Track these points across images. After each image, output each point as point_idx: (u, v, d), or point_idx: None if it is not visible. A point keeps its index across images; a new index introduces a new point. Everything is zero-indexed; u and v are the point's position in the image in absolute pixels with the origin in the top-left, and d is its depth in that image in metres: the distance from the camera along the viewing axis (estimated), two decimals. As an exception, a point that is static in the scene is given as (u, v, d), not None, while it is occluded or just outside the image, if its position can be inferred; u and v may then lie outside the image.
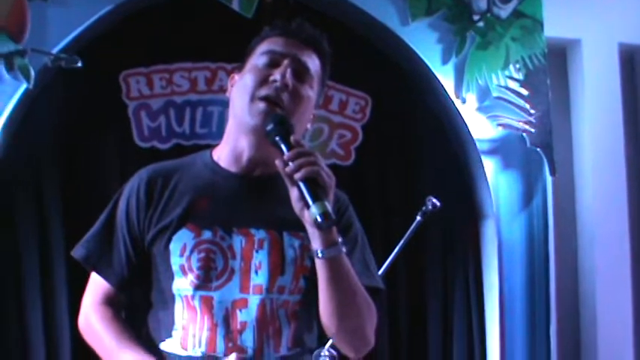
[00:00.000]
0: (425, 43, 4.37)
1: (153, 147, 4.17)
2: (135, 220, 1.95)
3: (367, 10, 4.30)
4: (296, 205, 1.76)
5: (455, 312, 4.50)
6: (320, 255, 1.80)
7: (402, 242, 3.47)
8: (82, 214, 3.76)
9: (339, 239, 1.82)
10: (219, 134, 3.93)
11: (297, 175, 1.74)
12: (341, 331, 1.90)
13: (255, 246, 1.90)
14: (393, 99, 4.48)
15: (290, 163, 1.75)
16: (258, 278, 1.89)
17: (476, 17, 4.45)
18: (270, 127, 1.84)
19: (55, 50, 3.93)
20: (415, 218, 3.47)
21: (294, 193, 1.76)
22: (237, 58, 4.20)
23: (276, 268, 1.90)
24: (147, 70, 4.16)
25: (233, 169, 1.97)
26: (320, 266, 1.83)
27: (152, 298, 1.96)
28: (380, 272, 3.42)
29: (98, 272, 1.99)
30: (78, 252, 2.01)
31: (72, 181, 4.07)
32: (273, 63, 1.95)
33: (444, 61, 4.39)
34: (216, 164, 1.99)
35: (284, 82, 1.91)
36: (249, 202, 1.94)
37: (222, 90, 4.17)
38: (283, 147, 1.79)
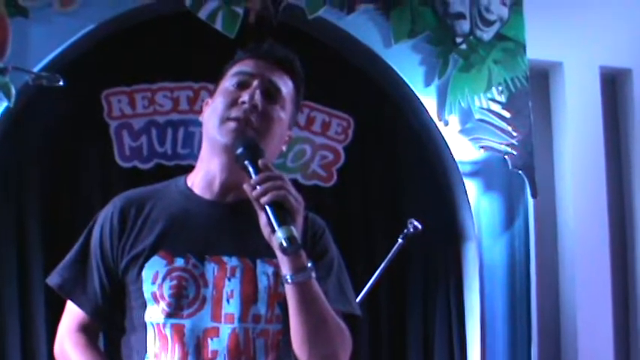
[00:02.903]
0: (408, 65, 4.39)
1: (134, 167, 4.15)
2: (108, 249, 1.93)
3: (350, 31, 4.31)
4: (264, 230, 1.73)
5: (436, 334, 4.48)
6: (289, 280, 1.77)
7: (383, 264, 3.47)
8: (63, 236, 3.75)
9: (309, 264, 1.78)
10: (201, 154, 3.95)
11: (263, 200, 1.71)
12: (313, 359, 1.85)
13: (228, 274, 1.87)
14: (375, 120, 4.49)
15: (257, 187, 1.72)
16: (230, 307, 1.86)
17: (459, 40, 4.47)
18: (239, 150, 1.81)
19: (36, 68, 3.91)
20: (397, 241, 3.47)
21: (262, 218, 1.73)
22: (217, 79, 4.21)
23: (249, 296, 1.87)
24: (129, 89, 4.15)
25: (207, 195, 1.94)
26: (289, 292, 1.80)
27: (125, 325, 1.94)
28: (362, 294, 3.44)
29: (72, 300, 1.98)
30: (53, 280, 1.99)
31: (53, 201, 4.04)
32: (243, 84, 1.93)
33: (427, 83, 4.40)
34: (190, 190, 1.96)
35: (253, 103, 1.88)
36: (222, 229, 1.91)
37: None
38: (251, 170, 1.76)
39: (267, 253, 1.80)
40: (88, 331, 1.97)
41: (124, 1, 4.06)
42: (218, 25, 4.11)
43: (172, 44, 4.17)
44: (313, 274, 1.79)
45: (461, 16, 4.48)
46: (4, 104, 3.88)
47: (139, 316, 1.89)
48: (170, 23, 4.16)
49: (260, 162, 1.77)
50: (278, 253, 1.76)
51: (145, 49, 4.14)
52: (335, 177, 4.39)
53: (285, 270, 1.77)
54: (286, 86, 1.97)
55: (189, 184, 1.98)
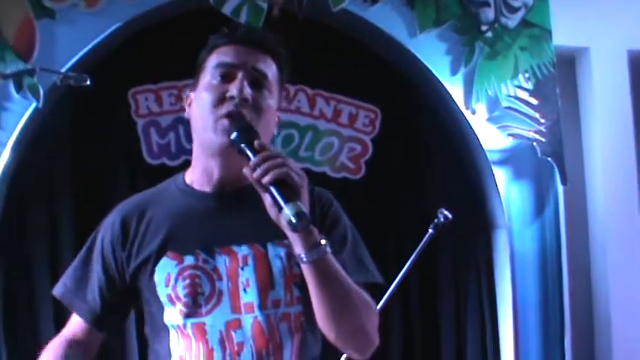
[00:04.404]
0: (433, 55, 4.37)
1: (163, 164, 4.17)
2: (111, 258, 1.92)
3: (375, 22, 4.29)
4: (271, 211, 1.69)
5: (468, 324, 4.47)
6: (304, 259, 1.73)
7: (414, 255, 3.46)
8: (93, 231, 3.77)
9: (322, 240, 1.74)
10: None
11: (265, 180, 1.67)
12: (340, 335, 1.82)
13: (240, 263, 1.86)
14: (402, 111, 4.47)
15: (257, 169, 1.69)
16: (248, 296, 1.84)
17: (484, 27, 4.44)
18: (234, 135, 1.79)
19: (63, 69, 3.94)
20: (427, 231, 3.46)
21: (267, 200, 1.68)
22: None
23: (265, 282, 1.85)
24: (155, 86, 4.16)
25: (207, 188, 1.92)
26: (306, 271, 1.76)
27: (147, 333, 1.95)
28: (392, 286, 3.43)
29: (72, 309, 2.00)
30: (56, 290, 2.02)
31: (83, 200, 4.07)
32: (228, 76, 1.88)
33: (453, 72, 4.38)
34: (189, 187, 1.95)
35: (242, 97, 1.84)
36: (227, 219, 1.89)
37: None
38: (249, 153, 1.74)
39: (277, 236, 1.77)
40: (79, 338, 1.98)
41: (148, -1, 4.08)
42: (242, 20, 4.11)
43: (197, 40, 4.17)
44: (328, 249, 1.74)
45: (485, 3, 4.45)
46: (33, 105, 3.92)
47: (159, 320, 1.89)
48: (195, 19, 4.17)
49: (256, 143, 1.74)
50: (288, 233, 1.71)
51: (170, 46, 4.15)
52: (363, 169, 4.38)
53: (299, 249, 1.73)
54: (270, 69, 1.92)
55: (188, 181, 1.96)
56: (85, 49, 3.99)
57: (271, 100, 1.91)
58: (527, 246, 4.42)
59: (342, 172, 4.35)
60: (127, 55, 4.13)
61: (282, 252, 1.85)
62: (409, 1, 4.34)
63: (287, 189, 1.67)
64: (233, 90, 1.85)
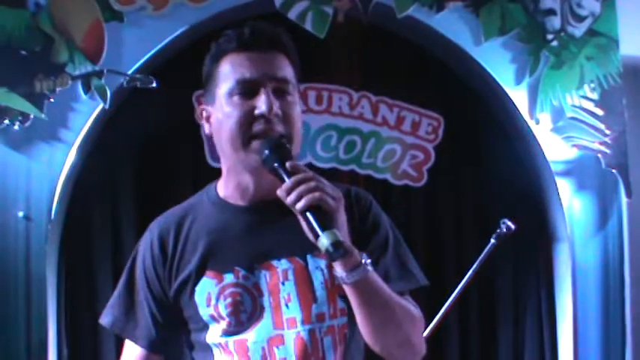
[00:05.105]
0: (498, 63, 4.33)
1: (225, 167, 4.19)
2: (154, 278, 1.89)
3: (440, 29, 4.27)
4: (308, 234, 1.66)
5: (526, 337, 4.44)
6: (345, 280, 1.71)
7: (475, 265, 3.43)
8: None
9: (363, 259, 1.71)
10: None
11: (299, 206, 1.64)
12: (386, 348, 1.81)
13: (281, 278, 1.82)
14: (465, 119, 4.45)
15: (291, 193, 1.65)
16: (291, 311, 1.82)
17: (550, 36, 4.39)
18: (265, 153, 1.74)
19: (130, 71, 4.00)
20: (489, 241, 3.43)
21: (303, 224, 1.65)
22: (310, 78, 4.24)
23: (307, 295, 1.82)
24: (219, 90, 4.19)
25: (242, 202, 1.88)
26: (348, 290, 1.74)
27: (187, 349, 1.93)
28: (452, 296, 3.41)
29: (127, 337, 1.95)
30: (105, 319, 1.98)
31: (146, 201, 4.12)
32: (251, 92, 1.80)
33: (518, 81, 4.34)
34: (224, 201, 1.90)
35: (273, 113, 1.77)
36: (265, 233, 1.85)
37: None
38: (282, 175, 1.70)
39: (315, 247, 1.70)
40: None
41: (214, 3, 4.11)
42: (308, 26, 4.12)
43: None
44: (369, 267, 1.72)
45: (551, 12, 4.40)
46: (100, 106, 3.98)
47: (201, 338, 1.87)
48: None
49: (288, 165, 1.70)
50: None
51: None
52: (425, 177, 4.35)
53: (339, 270, 1.71)
54: (288, 71, 1.85)
55: (221, 195, 1.91)
56: (152, 52, 4.04)
57: (296, 104, 1.85)
58: (589, 259, 4.35)
59: (404, 180, 4.33)
60: (192, 59, 4.16)
61: (322, 264, 1.82)
62: (474, 8, 4.31)
63: (322, 215, 1.64)
64: (262, 107, 1.78)
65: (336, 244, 1.61)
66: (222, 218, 1.88)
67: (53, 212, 3.94)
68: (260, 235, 1.85)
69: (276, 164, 1.72)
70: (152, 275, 1.90)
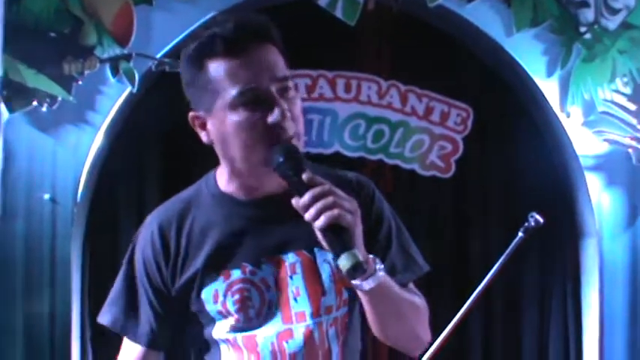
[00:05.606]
0: (529, 55, 4.29)
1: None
2: (156, 273, 1.84)
3: (471, 19, 4.24)
4: (327, 248, 1.62)
5: (551, 334, 4.43)
6: (361, 288, 1.69)
7: (502, 259, 3.39)
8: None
9: (377, 265, 1.69)
10: (318, 142, 3.96)
11: (317, 224, 1.59)
12: (392, 339, 1.85)
13: (288, 272, 1.79)
14: (495, 111, 4.43)
15: (310, 209, 1.59)
16: (299, 305, 1.80)
17: (583, 29, 4.34)
18: (279, 160, 1.67)
19: (158, 55, 3.99)
20: (516, 234, 3.39)
21: (320, 237, 1.61)
22: (339, 66, 4.20)
23: (316, 289, 1.80)
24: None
25: (245, 196, 1.81)
26: (361, 295, 1.73)
27: (195, 345, 1.90)
28: (478, 288, 3.37)
29: (127, 335, 1.91)
30: (103, 318, 1.94)
31: (171, 185, 4.11)
32: (255, 99, 1.70)
33: (549, 74, 4.30)
34: (226, 194, 1.83)
35: (284, 117, 1.70)
36: (270, 227, 1.81)
37: (322, 98, 4.22)
38: (298, 186, 1.64)
39: None
40: None
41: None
42: (338, 13, 4.10)
43: (290, 32, 4.17)
44: (382, 272, 1.70)
45: (585, 4, 4.35)
46: (128, 89, 3.98)
47: (208, 334, 1.85)
48: (289, 11, 4.17)
49: (304, 176, 1.63)
50: None
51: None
52: (453, 168, 4.32)
53: (356, 281, 1.68)
54: (281, 64, 1.75)
55: (221, 187, 1.84)
56: (180, 36, 4.03)
57: (297, 97, 1.77)
58: (617, 256, 4.31)
59: (432, 171, 4.30)
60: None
61: (329, 256, 1.78)
62: (506, -1, 4.28)
63: (341, 233, 1.60)
64: (276, 116, 1.69)
65: (356, 266, 1.58)
66: (225, 213, 1.82)
67: (79, 195, 3.96)
68: (266, 229, 1.81)
69: (290, 172, 1.66)
70: (153, 268, 1.84)
